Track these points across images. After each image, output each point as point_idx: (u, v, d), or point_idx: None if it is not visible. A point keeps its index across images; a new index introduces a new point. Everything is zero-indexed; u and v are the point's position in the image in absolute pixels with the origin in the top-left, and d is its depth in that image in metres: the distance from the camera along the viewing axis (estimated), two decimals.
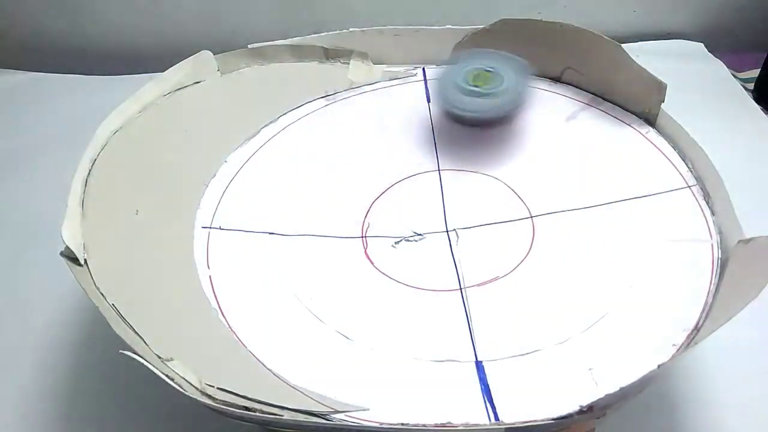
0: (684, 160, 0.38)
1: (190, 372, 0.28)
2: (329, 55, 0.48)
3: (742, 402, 0.32)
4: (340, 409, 0.27)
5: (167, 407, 0.33)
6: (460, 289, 0.32)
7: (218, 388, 0.27)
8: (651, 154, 0.39)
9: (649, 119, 0.41)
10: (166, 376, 0.27)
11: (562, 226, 0.35)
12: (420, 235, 0.35)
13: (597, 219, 0.35)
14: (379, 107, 0.44)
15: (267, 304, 0.32)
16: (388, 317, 0.31)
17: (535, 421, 0.25)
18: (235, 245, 0.35)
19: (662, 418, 0.32)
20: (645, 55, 0.42)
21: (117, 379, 0.36)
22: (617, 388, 0.24)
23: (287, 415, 0.26)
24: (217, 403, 0.26)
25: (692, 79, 0.55)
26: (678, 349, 0.29)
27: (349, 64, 0.48)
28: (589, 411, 0.24)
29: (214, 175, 0.40)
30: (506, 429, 0.25)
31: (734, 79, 0.56)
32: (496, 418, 0.27)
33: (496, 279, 0.33)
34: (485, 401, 0.28)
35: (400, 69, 0.48)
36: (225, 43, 0.49)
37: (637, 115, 0.42)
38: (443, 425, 0.26)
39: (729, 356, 0.33)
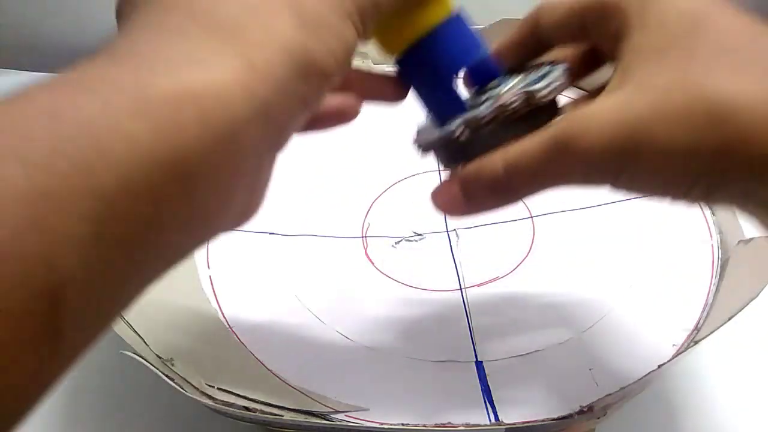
0: None
1: (190, 372, 0.28)
2: None
3: (742, 402, 0.32)
4: (340, 410, 0.27)
5: (167, 407, 0.33)
6: (460, 289, 0.32)
7: (218, 388, 0.27)
8: None
9: None
10: (166, 376, 0.27)
11: (562, 226, 0.35)
12: (420, 235, 0.35)
13: (597, 219, 0.35)
14: (379, 107, 0.44)
15: (267, 304, 0.32)
16: (388, 317, 0.31)
17: (535, 421, 0.25)
18: (235, 245, 0.35)
19: (662, 418, 0.32)
20: None
21: (117, 379, 0.36)
22: (618, 388, 0.24)
23: (287, 415, 0.26)
24: (217, 403, 0.26)
25: None
26: (678, 349, 0.29)
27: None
28: (589, 411, 0.25)
29: None
30: (506, 429, 0.25)
31: None
32: (496, 418, 0.27)
33: (496, 279, 0.33)
34: (485, 401, 0.28)
35: None
36: None
37: None
38: (443, 425, 0.26)
39: (729, 356, 0.33)
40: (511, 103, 0.20)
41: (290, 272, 0.34)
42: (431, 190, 0.22)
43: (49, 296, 0.12)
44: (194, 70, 0.14)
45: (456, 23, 0.22)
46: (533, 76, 0.21)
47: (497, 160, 0.20)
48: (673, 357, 0.28)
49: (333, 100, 0.22)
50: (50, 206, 0.11)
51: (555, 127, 0.19)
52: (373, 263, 0.34)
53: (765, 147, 0.16)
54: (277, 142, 0.17)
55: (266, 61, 0.15)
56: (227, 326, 0.31)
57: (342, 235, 0.36)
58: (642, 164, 0.18)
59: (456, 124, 0.21)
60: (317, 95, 0.17)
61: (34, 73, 0.60)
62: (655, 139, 0.17)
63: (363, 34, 0.18)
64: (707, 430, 0.31)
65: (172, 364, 0.28)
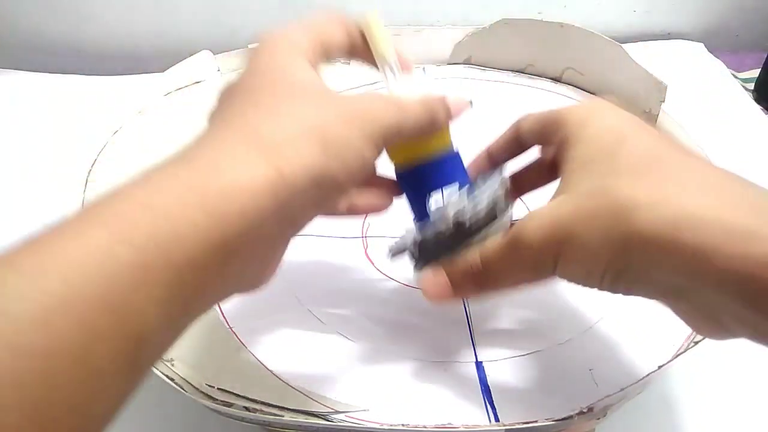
0: None
1: (190, 372, 0.28)
2: None
3: (742, 402, 0.32)
4: (340, 410, 0.27)
5: (167, 407, 0.33)
6: None
7: (218, 389, 0.27)
8: None
9: (650, 119, 0.41)
10: (166, 376, 0.27)
11: None
12: None
13: None
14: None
15: (267, 304, 0.32)
16: (388, 317, 0.31)
17: (535, 422, 0.25)
18: None
19: (662, 419, 0.32)
20: (645, 55, 0.42)
21: None
22: (618, 389, 0.24)
23: (288, 416, 0.26)
24: (217, 403, 0.26)
25: (692, 79, 0.55)
26: (678, 350, 0.29)
27: (349, 64, 0.48)
28: (589, 412, 0.25)
29: None
30: (506, 430, 0.25)
31: (734, 79, 0.56)
32: (497, 419, 0.27)
33: None
34: (485, 402, 0.28)
35: None
36: (225, 43, 0.49)
37: (637, 116, 0.42)
38: (443, 426, 0.26)
39: (728, 357, 0.33)
40: (446, 228, 0.25)
41: (291, 272, 0.34)
42: (420, 281, 0.26)
43: (136, 340, 0.16)
44: (239, 175, 0.18)
45: (447, 159, 0.27)
46: (473, 194, 0.26)
47: (476, 256, 0.25)
48: (673, 358, 0.28)
49: (366, 198, 0.28)
50: (145, 276, 0.16)
51: (512, 228, 0.24)
52: (373, 263, 0.34)
53: (656, 239, 0.20)
54: (290, 231, 0.22)
55: (291, 173, 0.19)
56: (227, 326, 0.31)
57: (342, 235, 0.36)
58: (569, 255, 0.22)
59: (409, 243, 0.27)
60: (330, 200, 0.22)
61: (34, 73, 0.60)
62: (577, 235, 0.21)
63: (381, 151, 0.23)
64: (707, 430, 0.31)
65: (172, 364, 0.28)
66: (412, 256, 0.27)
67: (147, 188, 0.18)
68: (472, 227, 0.25)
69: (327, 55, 0.25)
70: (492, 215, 0.26)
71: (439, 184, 0.27)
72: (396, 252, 0.28)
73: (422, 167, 0.27)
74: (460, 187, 0.27)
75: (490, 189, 0.26)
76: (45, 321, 0.15)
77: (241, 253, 0.19)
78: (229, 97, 0.22)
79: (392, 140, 0.23)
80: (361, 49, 0.26)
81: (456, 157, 0.27)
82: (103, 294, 0.15)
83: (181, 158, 0.19)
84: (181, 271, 0.17)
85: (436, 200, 0.27)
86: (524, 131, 0.28)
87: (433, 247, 0.26)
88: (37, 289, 0.15)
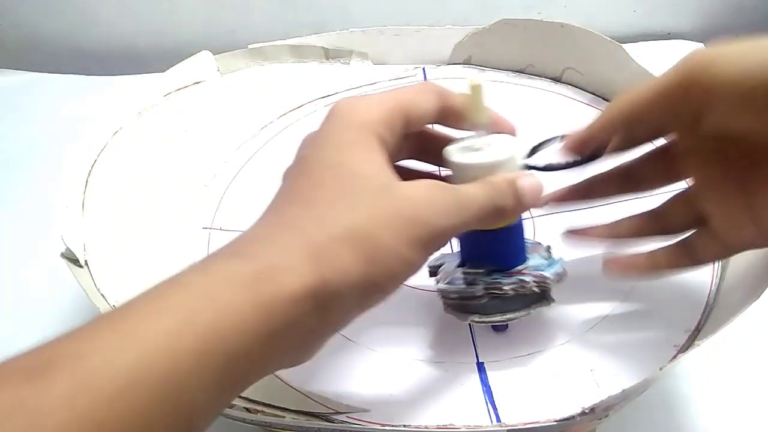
0: None
1: None
2: (329, 55, 0.48)
3: (743, 403, 0.32)
4: (341, 411, 0.27)
5: None
6: None
7: None
8: None
9: None
10: None
11: (563, 226, 0.35)
12: None
13: (597, 219, 0.35)
14: None
15: None
16: (390, 318, 0.31)
17: (537, 422, 0.25)
18: None
19: (663, 419, 0.32)
20: (645, 55, 0.42)
21: None
22: (619, 390, 0.24)
23: (289, 417, 0.26)
24: None
25: None
26: (679, 350, 0.29)
27: (349, 64, 0.48)
28: (591, 412, 0.24)
29: (215, 176, 0.40)
30: (508, 430, 0.25)
31: None
32: (498, 419, 0.27)
33: None
34: (487, 403, 0.28)
35: (400, 69, 0.48)
36: (225, 43, 0.49)
37: None
38: (445, 427, 0.26)
39: (730, 356, 0.33)
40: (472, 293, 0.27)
41: None
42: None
43: (186, 420, 0.18)
44: (285, 280, 0.20)
45: (509, 232, 0.27)
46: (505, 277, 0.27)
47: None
48: (674, 358, 0.28)
49: None
50: (201, 362, 0.18)
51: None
52: None
53: None
54: (330, 329, 0.22)
55: (334, 280, 0.20)
56: None
57: None
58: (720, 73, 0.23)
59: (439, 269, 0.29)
60: (373, 303, 0.22)
61: (34, 73, 0.60)
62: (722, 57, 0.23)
63: (434, 251, 0.23)
64: (707, 430, 0.31)
65: None
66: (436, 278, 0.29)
67: (207, 280, 0.20)
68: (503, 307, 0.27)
69: (411, 125, 0.25)
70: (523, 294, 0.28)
71: (488, 250, 0.27)
72: (432, 272, 0.30)
73: (483, 237, 0.26)
74: (506, 259, 0.28)
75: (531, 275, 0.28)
76: (119, 397, 0.16)
77: (282, 346, 0.20)
78: (298, 174, 0.23)
79: (448, 239, 0.23)
80: (451, 118, 0.26)
81: (517, 230, 0.28)
82: (167, 376, 0.17)
83: (239, 251, 0.21)
84: (232, 358, 0.19)
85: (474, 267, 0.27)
86: (644, 120, 0.27)
87: (456, 299, 0.28)
88: (114, 366, 0.17)
